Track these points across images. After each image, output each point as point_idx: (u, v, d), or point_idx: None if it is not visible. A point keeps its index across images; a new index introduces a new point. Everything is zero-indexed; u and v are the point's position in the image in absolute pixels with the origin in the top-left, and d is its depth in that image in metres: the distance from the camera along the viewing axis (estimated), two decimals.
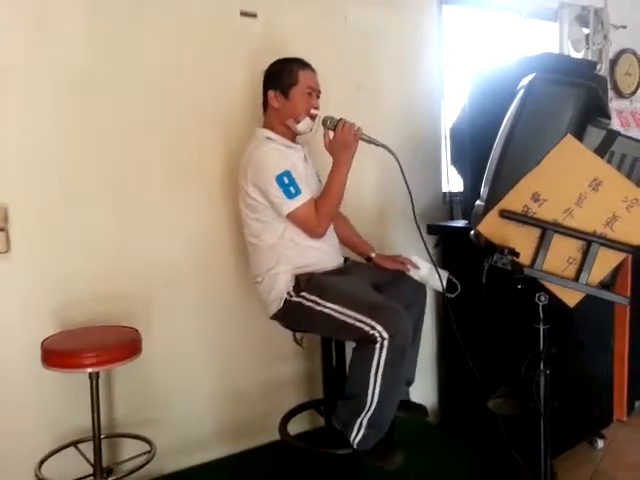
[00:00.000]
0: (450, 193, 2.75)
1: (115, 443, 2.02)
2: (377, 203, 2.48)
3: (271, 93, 1.90)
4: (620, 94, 3.42)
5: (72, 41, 1.90)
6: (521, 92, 1.49)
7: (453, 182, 2.72)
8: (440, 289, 1.89)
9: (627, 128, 3.36)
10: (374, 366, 1.62)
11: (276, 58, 2.23)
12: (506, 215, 1.42)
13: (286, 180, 1.76)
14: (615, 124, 3.19)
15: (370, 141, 1.81)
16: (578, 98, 1.40)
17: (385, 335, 1.60)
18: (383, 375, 1.63)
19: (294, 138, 1.94)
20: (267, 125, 1.93)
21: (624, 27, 3.27)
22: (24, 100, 1.85)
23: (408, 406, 2.01)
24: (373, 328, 1.62)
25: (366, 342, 1.64)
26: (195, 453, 2.15)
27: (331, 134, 1.81)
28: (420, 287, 1.97)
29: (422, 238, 1.85)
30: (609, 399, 2.57)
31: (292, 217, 1.81)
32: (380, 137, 1.82)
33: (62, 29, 1.89)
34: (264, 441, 2.25)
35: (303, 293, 1.79)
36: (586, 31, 3.13)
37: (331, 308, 1.71)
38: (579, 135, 1.40)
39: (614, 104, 3.26)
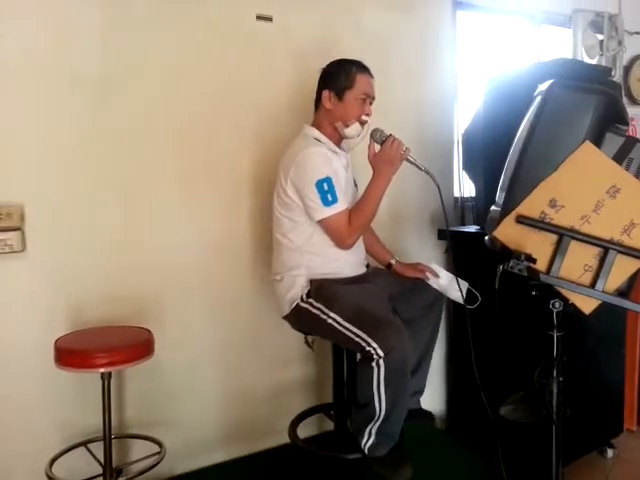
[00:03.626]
0: (462, 198, 2.74)
1: (125, 444, 2.03)
2: (389, 209, 2.47)
3: (325, 93, 1.87)
4: (634, 101, 3.40)
5: (88, 43, 1.91)
6: (539, 98, 1.48)
7: (465, 187, 2.72)
8: (459, 300, 1.87)
9: (636, 137, 3.33)
10: (375, 382, 1.63)
11: (290, 61, 2.25)
12: (523, 221, 1.41)
13: (326, 186, 1.75)
14: None
15: (415, 164, 1.80)
16: (597, 105, 1.39)
17: (380, 353, 1.60)
18: (386, 390, 1.64)
19: (340, 142, 1.92)
20: (316, 124, 1.91)
21: (638, 33, 3.25)
22: (40, 101, 1.86)
23: (416, 414, 2.00)
24: (369, 345, 1.62)
25: (364, 358, 1.65)
26: (205, 455, 2.15)
27: (377, 147, 1.80)
28: (438, 296, 1.96)
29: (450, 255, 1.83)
30: (620, 408, 2.55)
31: (324, 224, 1.80)
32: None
33: (79, 31, 1.90)
34: (273, 444, 2.25)
35: (310, 300, 1.80)
36: (600, 37, 3.12)
37: (334, 319, 1.72)
38: (597, 142, 1.39)
39: (627, 111, 3.24)
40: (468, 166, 2.55)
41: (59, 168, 1.90)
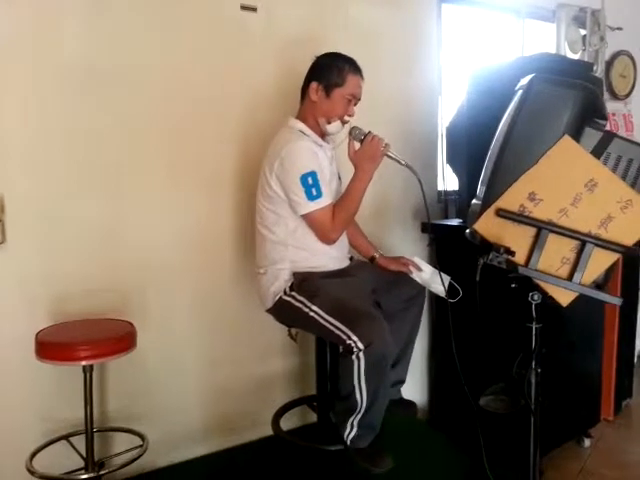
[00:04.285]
0: (445, 191, 2.76)
1: (107, 437, 2.02)
2: (372, 204, 2.47)
3: (314, 85, 1.85)
4: (615, 96, 3.44)
5: (73, 36, 1.88)
6: (520, 92, 1.49)
7: (448, 180, 2.73)
8: (441, 293, 1.89)
9: (616, 132, 3.38)
10: (355, 374, 1.65)
11: (275, 52, 2.23)
12: (502, 214, 1.43)
13: (310, 181, 1.74)
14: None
15: (395, 159, 1.81)
16: (576, 99, 1.40)
17: (360, 346, 1.62)
18: (367, 382, 1.65)
19: (324, 135, 1.91)
20: (300, 116, 1.90)
21: (620, 29, 3.28)
22: (24, 92, 1.83)
23: (399, 404, 2.02)
24: (349, 338, 1.64)
25: (345, 350, 1.66)
26: (187, 448, 2.15)
27: (357, 145, 1.81)
28: (420, 290, 1.98)
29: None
30: (597, 398, 2.60)
31: (308, 219, 1.80)
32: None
33: (63, 23, 1.87)
34: (256, 436, 2.25)
35: (293, 293, 1.80)
36: (583, 32, 3.15)
37: (315, 312, 1.73)
38: (576, 136, 1.41)
39: (608, 106, 3.28)
40: (452, 159, 2.56)
41: (41, 159, 1.87)
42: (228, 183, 2.19)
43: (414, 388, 2.56)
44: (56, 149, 1.89)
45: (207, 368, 2.20)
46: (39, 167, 1.87)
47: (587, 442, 2.48)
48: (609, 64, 3.38)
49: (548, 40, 3.17)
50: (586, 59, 3.12)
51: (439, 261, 2.23)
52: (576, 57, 3.09)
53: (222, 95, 2.14)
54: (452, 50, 2.83)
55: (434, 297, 2.41)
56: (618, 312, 2.61)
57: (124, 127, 1.98)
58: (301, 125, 1.87)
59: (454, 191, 2.67)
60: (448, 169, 2.67)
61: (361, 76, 1.89)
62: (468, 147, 2.30)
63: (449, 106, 2.73)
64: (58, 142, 1.89)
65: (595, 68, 3.10)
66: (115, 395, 2.03)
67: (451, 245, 2.26)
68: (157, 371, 2.08)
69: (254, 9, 2.18)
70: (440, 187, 2.76)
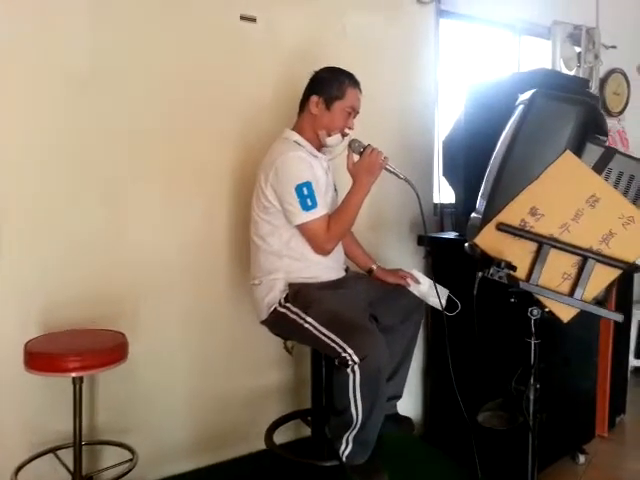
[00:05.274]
0: (441, 204, 2.76)
1: (96, 450, 1.97)
2: (369, 216, 2.46)
3: (314, 98, 1.86)
4: (609, 113, 3.48)
5: (74, 41, 1.87)
6: (521, 107, 1.49)
7: (444, 193, 2.73)
8: (439, 306, 1.88)
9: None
10: (351, 388, 1.63)
11: (274, 63, 2.23)
12: (503, 228, 1.42)
13: (305, 191, 1.74)
14: None
15: (394, 172, 1.81)
16: (578, 115, 1.41)
17: (355, 359, 1.60)
18: (362, 396, 1.64)
19: (320, 146, 1.91)
20: (297, 127, 1.90)
21: (614, 47, 3.33)
22: (20, 99, 1.81)
23: (394, 419, 2.00)
24: (344, 350, 1.62)
25: (340, 364, 1.64)
26: (178, 462, 2.11)
27: (355, 157, 1.81)
28: (418, 303, 1.96)
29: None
30: (591, 414, 2.59)
31: (302, 229, 1.79)
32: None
33: (64, 28, 1.85)
34: (248, 450, 2.22)
35: (288, 304, 1.79)
36: (578, 50, 3.19)
37: (310, 324, 1.72)
38: (578, 151, 1.41)
39: None
40: (448, 173, 2.56)
41: (35, 167, 1.84)
42: (224, 193, 2.17)
43: (409, 403, 2.54)
44: (50, 157, 1.86)
45: (200, 381, 2.16)
46: (33, 175, 1.84)
47: (582, 458, 2.46)
48: (603, 81, 3.42)
49: (543, 57, 3.20)
50: (581, 76, 3.16)
51: (435, 274, 2.22)
52: (571, 74, 3.12)
53: (221, 104, 2.13)
54: (449, 64, 2.84)
55: (430, 311, 2.39)
56: (613, 328, 2.61)
57: (120, 135, 1.96)
58: (297, 137, 1.87)
59: (450, 204, 2.67)
60: (444, 182, 2.67)
61: (360, 89, 1.90)
62: (465, 160, 2.30)
63: (446, 120, 2.74)
64: (52, 150, 1.86)
65: (590, 85, 3.13)
66: (105, 407, 1.98)
67: (447, 258, 2.26)
68: (148, 383, 2.04)
69: (253, 20, 2.18)
70: (436, 200, 2.76)
